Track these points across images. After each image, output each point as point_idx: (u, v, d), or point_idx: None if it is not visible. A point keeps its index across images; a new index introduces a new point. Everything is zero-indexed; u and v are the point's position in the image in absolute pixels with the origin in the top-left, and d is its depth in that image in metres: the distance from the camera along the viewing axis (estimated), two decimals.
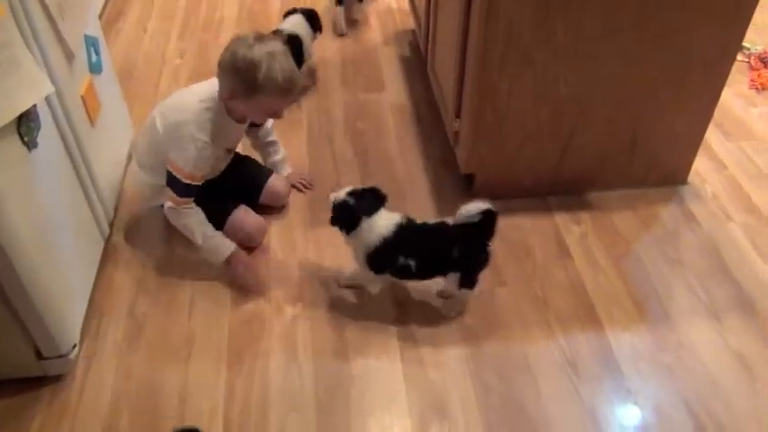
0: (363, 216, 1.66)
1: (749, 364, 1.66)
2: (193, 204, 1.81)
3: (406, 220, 1.70)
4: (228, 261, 1.84)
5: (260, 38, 1.70)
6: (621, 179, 2.14)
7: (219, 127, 1.77)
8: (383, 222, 1.67)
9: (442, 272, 1.72)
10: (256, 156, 2.18)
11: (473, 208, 1.63)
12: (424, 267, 1.70)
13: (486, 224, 1.64)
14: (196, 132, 1.73)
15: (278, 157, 2.17)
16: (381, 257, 1.68)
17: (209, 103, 1.76)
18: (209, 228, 1.83)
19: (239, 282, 1.86)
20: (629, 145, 2.05)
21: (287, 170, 2.19)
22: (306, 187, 2.19)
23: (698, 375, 1.64)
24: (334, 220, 1.70)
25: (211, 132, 1.74)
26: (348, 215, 1.67)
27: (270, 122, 2.10)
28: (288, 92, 1.72)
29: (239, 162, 2.05)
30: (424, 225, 1.72)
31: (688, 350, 1.70)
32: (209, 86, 1.78)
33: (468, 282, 1.72)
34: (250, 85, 1.67)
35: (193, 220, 1.81)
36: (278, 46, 1.70)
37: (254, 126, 2.04)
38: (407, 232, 1.68)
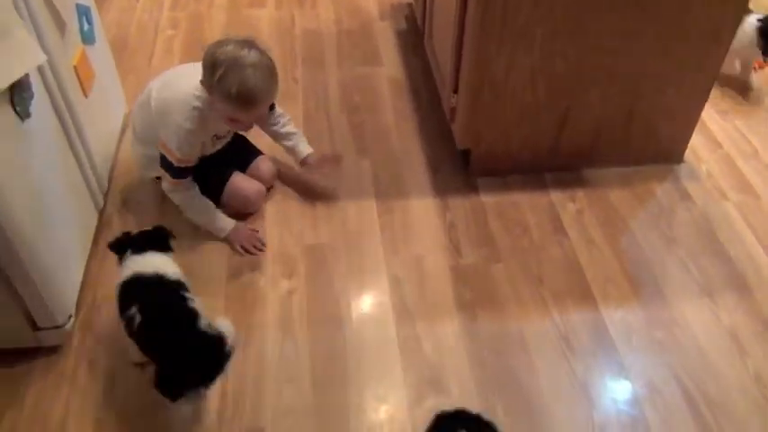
0: (129, 251, 1.53)
1: (739, 340, 1.68)
2: (190, 181, 1.82)
3: (156, 275, 1.48)
4: (228, 237, 1.88)
5: (244, 43, 1.63)
6: (618, 156, 2.14)
7: (208, 118, 1.74)
8: (133, 266, 1.50)
9: None
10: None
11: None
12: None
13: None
14: (182, 121, 1.71)
15: (290, 143, 2.05)
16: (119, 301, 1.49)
17: (201, 92, 1.71)
18: (211, 207, 1.87)
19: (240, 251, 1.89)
20: (625, 122, 2.04)
21: (306, 151, 2.05)
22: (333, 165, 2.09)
23: (689, 351, 1.66)
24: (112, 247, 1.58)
25: (198, 122, 1.72)
26: (116, 244, 1.57)
27: (278, 109, 2.01)
28: (240, 104, 1.63)
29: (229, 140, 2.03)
30: (159, 291, 1.48)
31: (680, 326, 1.71)
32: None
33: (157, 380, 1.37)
34: (208, 84, 1.64)
35: (196, 201, 1.84)
36: (255, 57, 1.61)
37: None
38: (140, 285, 1.47)
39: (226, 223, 1.89)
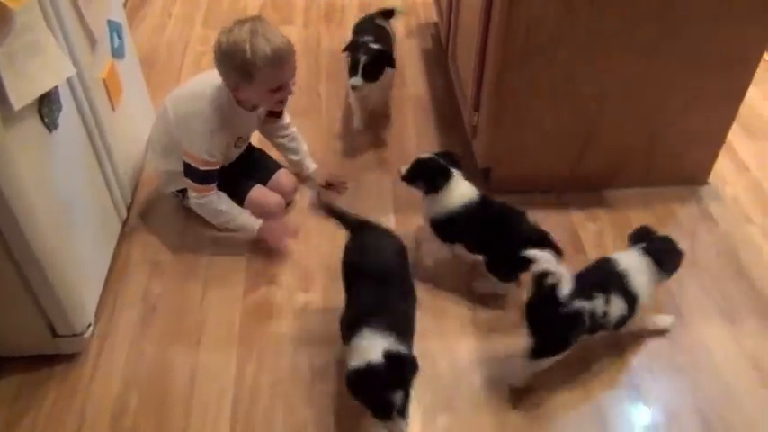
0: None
1: (763, 368, 1.64)
2: (215, 189, 1.85)
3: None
4: (259, 235, 1.90)
5: (239, 22, 1.71)
6: (639, 178, 2.12)
7: (229, 116, 1.79)
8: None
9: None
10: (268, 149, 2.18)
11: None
12: None
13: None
14: (205, 124, 1.76)
15: (296, 157, 2.12)
16: None
17: (218, 93, 1.78)
18: (236, 209, 1.89)
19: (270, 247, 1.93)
20: (647, 144, 2.03)
21: (311, 167, 2.15)
22: (343, 187, 2.14)
23: (710, 378, 1.62)
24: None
25: (220, 122, 1.77)
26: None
27: (286, 119, 2.08)
28: (280, 61, 1.70)
29: (249, 153, 2.07)
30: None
31: (701, 352, 1.68)
32: (218, 76, 1.78)
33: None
34: (244, 69, 1.68)
35: (222, 207, 1.86)
36: (257, 23, 1.70)
37: (271, 116, 2.03)
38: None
39: (254, 222, 1.90)
